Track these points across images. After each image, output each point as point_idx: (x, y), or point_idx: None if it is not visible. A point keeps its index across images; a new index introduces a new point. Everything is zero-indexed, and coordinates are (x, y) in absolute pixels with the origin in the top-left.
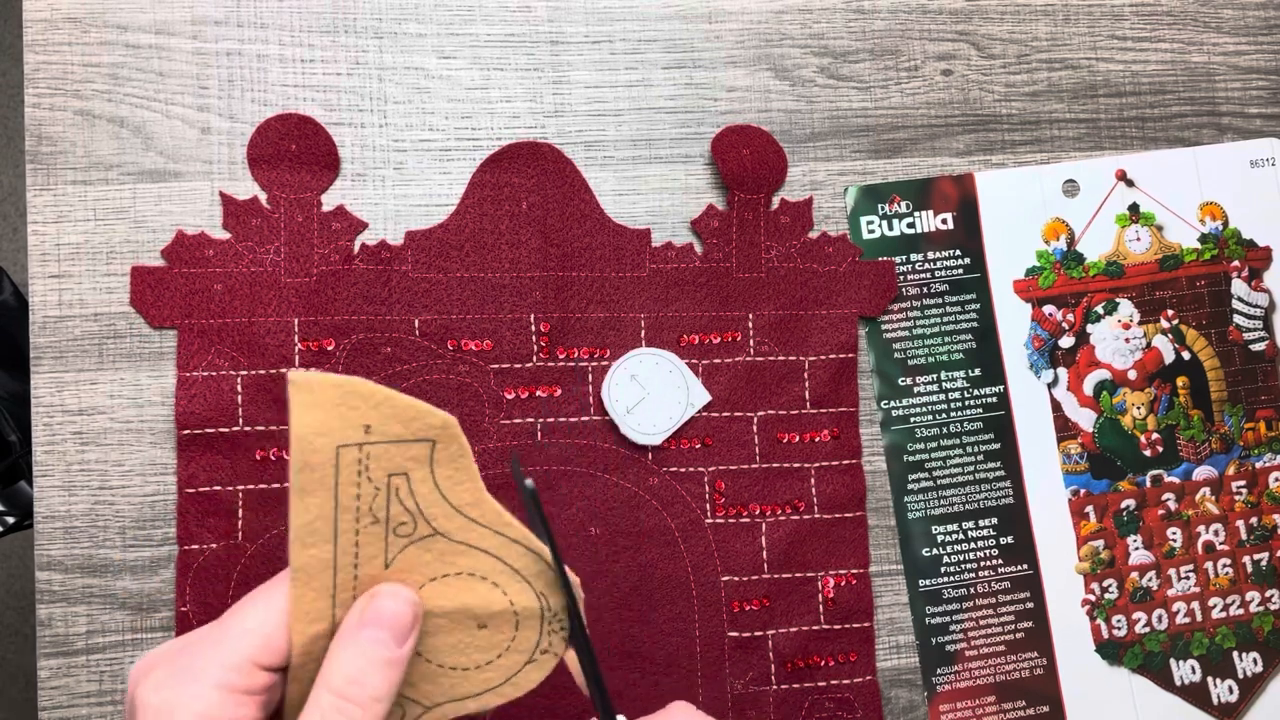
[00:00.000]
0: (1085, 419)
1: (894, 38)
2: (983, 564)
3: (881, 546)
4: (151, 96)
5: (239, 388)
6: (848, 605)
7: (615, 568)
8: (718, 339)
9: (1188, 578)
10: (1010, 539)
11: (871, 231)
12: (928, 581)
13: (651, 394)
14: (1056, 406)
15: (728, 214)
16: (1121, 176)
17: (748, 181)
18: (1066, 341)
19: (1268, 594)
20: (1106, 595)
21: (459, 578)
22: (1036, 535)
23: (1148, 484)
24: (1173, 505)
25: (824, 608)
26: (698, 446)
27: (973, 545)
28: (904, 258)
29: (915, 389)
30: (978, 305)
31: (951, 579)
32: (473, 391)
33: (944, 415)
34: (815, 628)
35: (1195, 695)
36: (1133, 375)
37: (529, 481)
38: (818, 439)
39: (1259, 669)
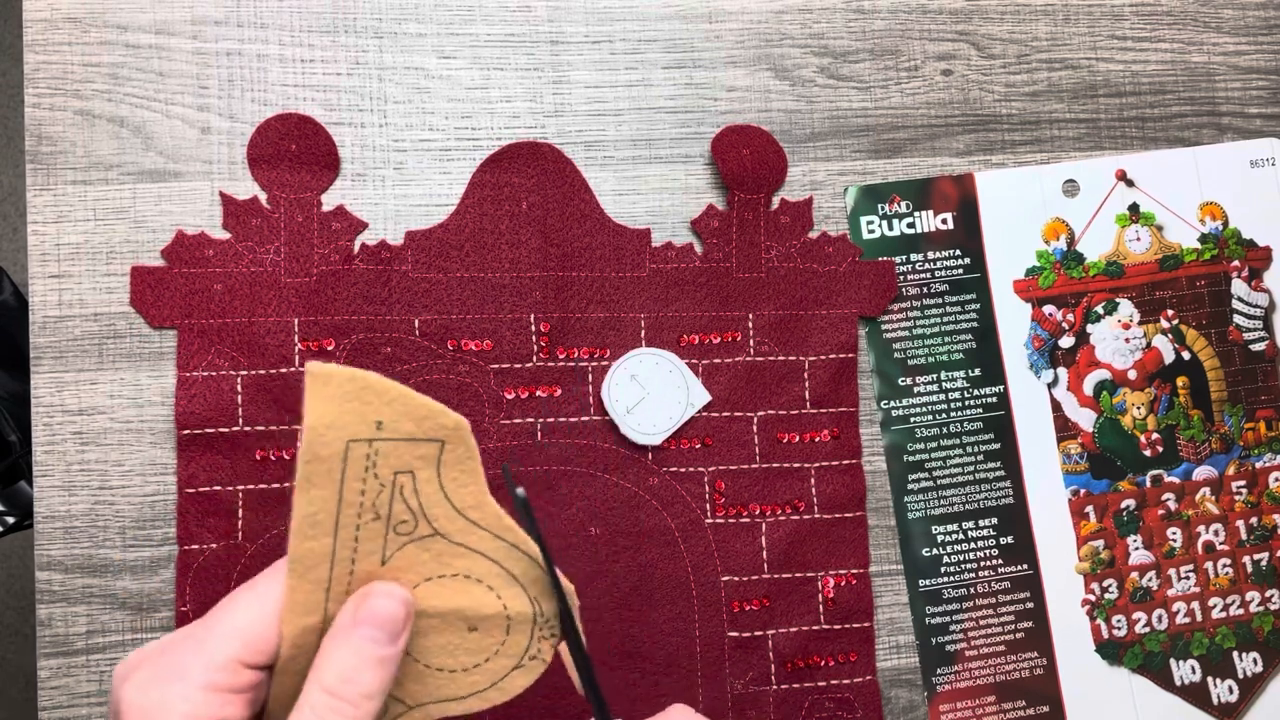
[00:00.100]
0: (1085, 419)
1: (894, 38)
2: (983, 564)
3: (881, 546)
4: (151, 96)
5: (239, 388)
6: (848, 605)
7: (615, 568)
8: (718, 339)
9: (1188, 578)
10: (1010, 539)
11: (871, 231)
12: (928, 581)
13: (651, 394)
14: (1056, 406)
15: (728, 214)
16: (1121, 176)
17: (748, 181)
18: (1066, 341)
19: (1268, 594)
20: (1106, 595)
21: (454, 579)
22: (1036, 535)
23: (1148, 484)
24: (1173, 505)
25: (824, 608)
26: (698, 446)
27: (973, 545)
28: (904, 258)
29: (915, 389)
30: (978, 305)
31: (951, 579)
32: (473, 391)
33: (944, 415)
34: (815, 628)
35: (1195, 695)
36: (1133, 375)
37: (520, 490)
38: (818, 439)
39: (1259, 669)
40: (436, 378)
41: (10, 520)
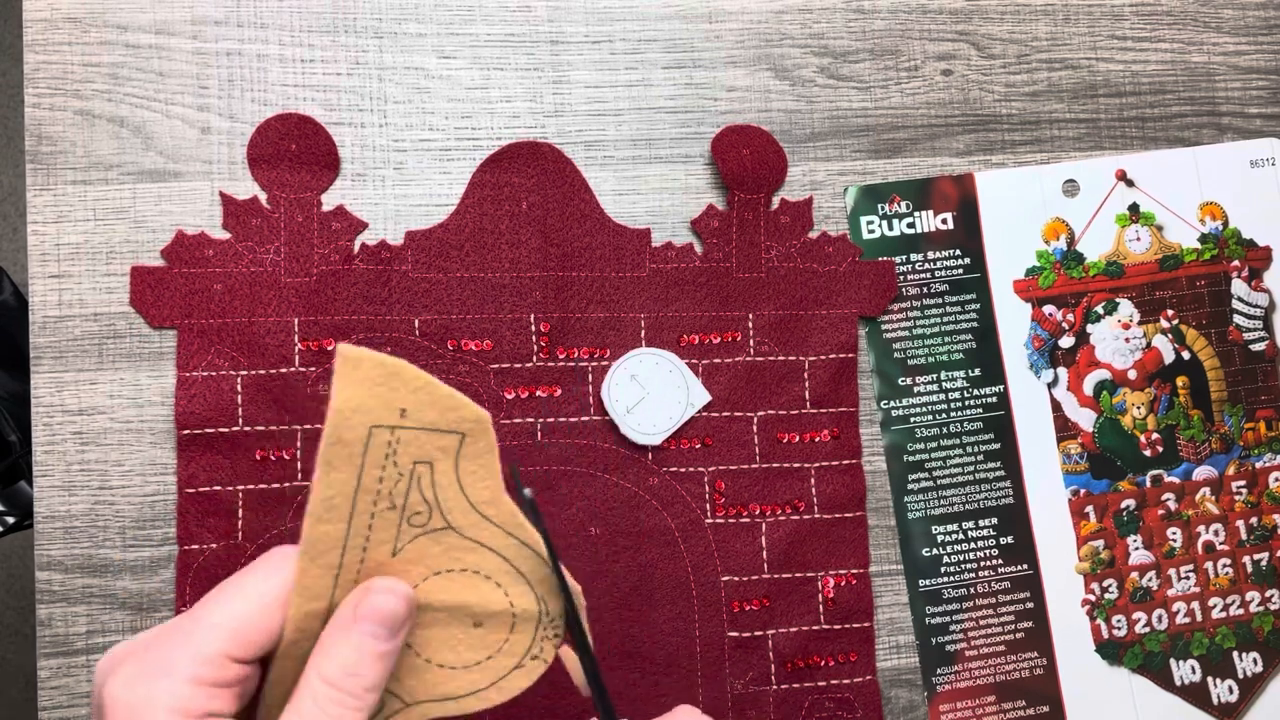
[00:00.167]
0: (1085, 419)
1: (894, 38)
2: (983, 564)
3: (881, 546)
4: (151, 96)
5: (239, 388)
6: (848, 605)
7: (615, 568)
8: (718, 339)
9: (1188, 578)
10: (1010, 539)
11: (871, 231)
12: (928, 581)
13: (651, 394)
14: (1056, 406)
15: (728, 214)
16: (1121, 176)
17: (748, 181)
18: (1066, 341)
19: (1268, 594)
20: (1106, 595)
21: (463, 574)
22: (1036, 535)
23: (1148, 484)
24: (1173, 505)
25: (824, 608)
26: (698, 446)
27: (973, 545)
28: (904, 258)
29: (915, 389)
30: (978, 305)
31: (951, 579)
32: (473, 392)
33: (944, 415)
34: (815, 628)
35: (1195, 695)
36: (1133, 375)
37: (528, 491)
38: (818, 439)
39: (1259, 669)
40: (437, 378)
41: (10, 520)
